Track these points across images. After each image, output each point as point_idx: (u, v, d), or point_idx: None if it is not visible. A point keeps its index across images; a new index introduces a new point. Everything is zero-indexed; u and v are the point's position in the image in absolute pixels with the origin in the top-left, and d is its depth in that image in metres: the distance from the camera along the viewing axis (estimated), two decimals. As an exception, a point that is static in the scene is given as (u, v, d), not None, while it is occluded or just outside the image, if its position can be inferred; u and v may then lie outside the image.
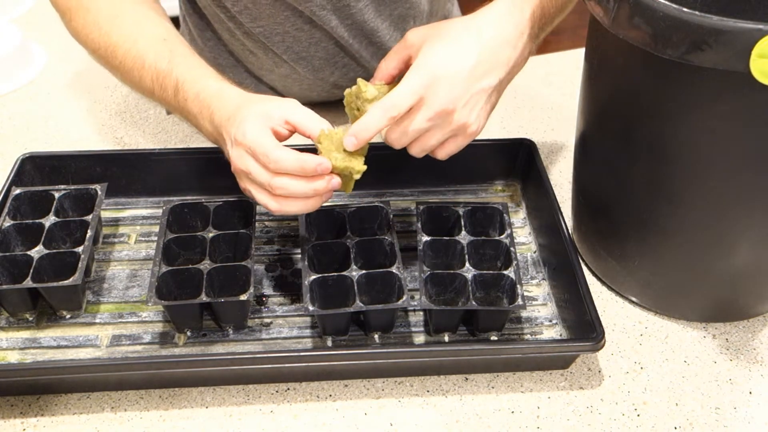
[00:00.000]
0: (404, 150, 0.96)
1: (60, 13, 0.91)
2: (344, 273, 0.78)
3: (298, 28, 1.00)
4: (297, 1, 0.96)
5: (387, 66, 0.78)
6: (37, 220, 0.83)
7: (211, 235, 0.82)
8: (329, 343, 0.78)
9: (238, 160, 0.74)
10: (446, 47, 0.73)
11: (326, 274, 0.78)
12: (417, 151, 0.77)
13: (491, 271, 0.80)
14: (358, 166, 0.73)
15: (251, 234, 0.82)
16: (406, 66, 0.76)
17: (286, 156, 0.71)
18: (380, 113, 0.71)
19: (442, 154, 0.78)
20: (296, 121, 0.74)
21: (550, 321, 0.81)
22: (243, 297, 0.75)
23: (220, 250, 0.82)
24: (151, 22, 0.87)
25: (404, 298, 0.75)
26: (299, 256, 0.87)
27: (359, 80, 0.76)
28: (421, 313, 0.81)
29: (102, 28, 0.86)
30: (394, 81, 0.78)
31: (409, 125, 0.73)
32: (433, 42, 0.74)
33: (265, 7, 0.97)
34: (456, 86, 0.72)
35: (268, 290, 0.83)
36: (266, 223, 0.92)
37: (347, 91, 0.77)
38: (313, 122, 0.74)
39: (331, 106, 1.11)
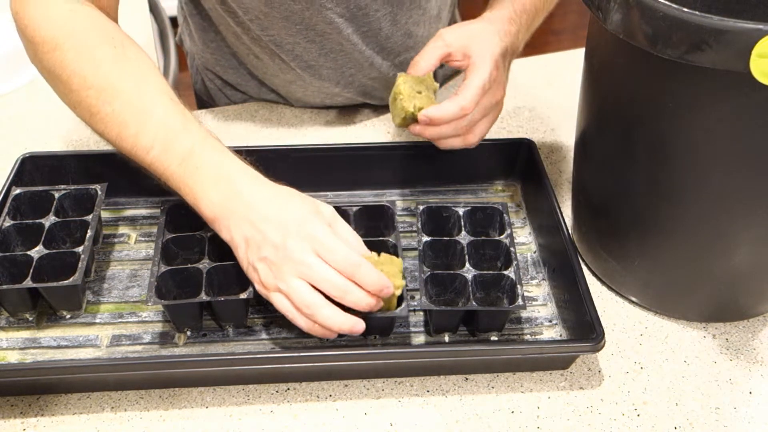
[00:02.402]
0: (404, 150, 0.96)
1: (37, 42, 0.80)
2: None
3: (309, 39, 0.99)
4: (316, 8, 0.95)
5: (426, 62, 0.86)
6: (37, 220, 0.83)
7: (209, 234, 0.82)
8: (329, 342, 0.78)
9: (298, 246, 0.70)
10: (492, 47, 0.85)
11: None
12: (477, 138, 0.87)
13: (491, 272, 0.80)
14: (398, 281, 0.75)
15: None
16: (440, 62, 0.87)
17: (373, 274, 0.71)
18: (456, 106, 0.82)
19: (477, 139, 0.88)
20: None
21: (550, 321, 0.81)
22: (243, 296, 0.75)
23: (219, 250, 0.82)
24: (156, 75, 0.80)
25: (403, 305, 0.75)
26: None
27: (412, 74, 0.86)
28: (421, 313, 0.81)
29: (101, 67, 0.77)
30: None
31: (473, 116, 0.84)
32: (481, 43, 0.86)
33: (277, 20, 0.97)
34: (503, 78, 0.85)
35: (268, 290, 0.83)
36: (266, 223, 0.91)
37: (402, 75, 0.85)
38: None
39: (330, 110, 1.12)
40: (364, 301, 0.70)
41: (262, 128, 1.09)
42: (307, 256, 0.70)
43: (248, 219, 0.72)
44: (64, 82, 0.78)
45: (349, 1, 0.96)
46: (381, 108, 1.12)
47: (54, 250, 0.80)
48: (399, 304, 0.75)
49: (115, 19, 0.85)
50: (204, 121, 1.10)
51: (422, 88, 0.80)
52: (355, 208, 0.84)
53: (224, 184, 0.73)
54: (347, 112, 1.11)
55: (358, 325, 0.70)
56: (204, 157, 0.74)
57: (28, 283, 0.76)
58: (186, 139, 0.75)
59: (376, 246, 0.81)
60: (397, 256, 0.79)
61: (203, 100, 1.21)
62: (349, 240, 0.74)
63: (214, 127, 1.08)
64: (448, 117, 0.82)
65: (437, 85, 0.84)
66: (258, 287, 0.73)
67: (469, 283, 0.78)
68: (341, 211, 0.84)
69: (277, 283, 0.70)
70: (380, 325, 0.77)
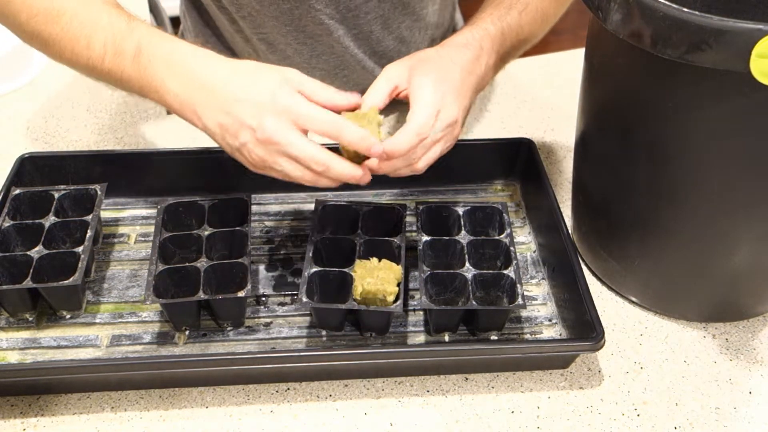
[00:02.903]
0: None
1: None
2: (345, 269, 0.78)
3: (300, 42, 0.99)
4: (305, 8, 0.95)
5: (373, 99, 0.78)
6: (37, 220, 0.83)
7: (206, 233, 0.82)
8: (324, 335, 0.78)
9: (276, 125, 0.69)
10: (438, 70, 0.78)
11: (327, 268, 0.78)
12: (424, 164, 0.77)
13: (491, 271, 0.80)
14: (390, 288, 0.75)
15: (247, 231, 0.82)
16: (390, 98, 0.79)
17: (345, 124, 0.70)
18: (411, 134, 0.74)
19: (424, 166, 0.79)
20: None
21: (550, 320, 0.81)
22: (241, 294, 0.75)
23: (216, 248, 0.82)
24: None
25: (399, 302, 0.75)
26: (299, 255, 0.87)
27: (364, 110, 0.77)
28: (421, 313, 0.81)
29: None
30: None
31: (430, 140, 0.76)
32: (424, 68, 0.78)
33: (268, 18, 0.97)
34: (457, 99, 0.77)
35: (268, 290, 0.83)
36: (266, 222, 0.92)
37: (347, 114, 0.76)
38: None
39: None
40: (347, 171, 0.70)
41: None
42: (285, 133, 0.69)
43: (215, 104, 0.71)
44: (15, 17, 0.79)
45: (339, 2, 0.95)
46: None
47: (54, 250, 0.80)
48: None
49: None
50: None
51: (365, 123, 0.74)
52: (365, 209, 0.85)
53: (179, 71, 0.72)
54: (347, 111, 1.11)
55: (366, 176, 0.71)
56: (152, 49, 0.73)
57: (28, 283, 0.76)
58: (133, 37, 0.74)
59: (380, 246, 0.81)
60: (400, 258, 0.79)
61: None
62: (323, 100, 0.73)
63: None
64: (406, 148, 0.74)
65: (382, 118, 0.76)
66: (251, 169, 0.73)
67: (469, 283, 0.78)
68: (352, 210, 0.85)
69: (267, 164, 0.71)
70: (376, 321, 0.77)
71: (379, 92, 0.78)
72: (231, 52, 1.08)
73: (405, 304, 0.79)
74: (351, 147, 0.71)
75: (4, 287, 0.76)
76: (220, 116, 0.70)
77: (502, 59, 0.86)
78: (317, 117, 0.70)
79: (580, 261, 0.84)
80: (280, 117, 0.69)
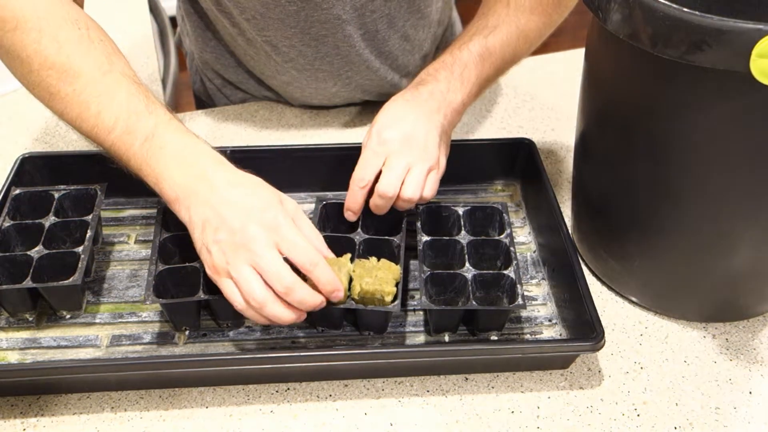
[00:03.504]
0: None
1: None
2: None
3: (305, 43, 0.99)
4: (312, 8, 0.95)
5: (357, 198, 0.82)
6: (36, 220, 0.83)
7: None
8: (319, 330, 0.78)
9: (258, 235, 0.69)
10: (386, 115, 0.83)
11: None
12: (410, 191, 0.80)
13: (491, 271, 0.80)
14: (388, 288, 0.75)
15: None
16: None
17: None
18: (355, 186, 0.80)
19: (410, 196, 0.80)
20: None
21: (550, 321, 0.81)
22: None
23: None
24: (119, 58, 0.79)
25: (396, 302, 0.75)
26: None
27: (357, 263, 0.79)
28: (421, 313, 0.81)
29: (63, 48, 0.75)
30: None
31: (393, 174, 0.79)
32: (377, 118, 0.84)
33: (273, 21, 0.97)
34: (399, 139, 0.81)
35: (268, 290, 0.83)
36: (266, 223, 0.91)
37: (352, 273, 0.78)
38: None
39: (330, 110, 1.12)
40: (309, 300, 0.70)
41: (262, 128, 1.09)
42: (264, 246, 0.69)
43: (210, 201, 0.71)
44: (23, 61, 0.77)
45: (345, 2, 0.95)
46: (381, 105, 1.12)
47: (54, 250, 0.80)
48: None
49: (81, 5, 0.84)
50: (203, 122, 1.10)
51: (335, 269, 0.74)
52: (365, 208, 0.85)
53: (188, 165, 0.73)
54: (347, 112, 1.11)
55: (301, 317, 0.71)
56: (167, 137, 0.74)
57: (28, 283, 0.76)
58: (149, 120, 0.74)
59: (380, 245, 0.81)
60: (399, 257, 0.79)
61: (202, 101, 1.21)
62: (310, 236, 0.74)
63: (213, 127, 1.09)
64: (358, 200, 0.81)
65: (351, 267, 0.77)
66: (208, 271, 0.72)
67: (469, 283, 0.78)
68: None
69: (228, 268, 0.69)
70: (373, 321, 0.77)
71: (371, 164, 0.81)
72: (232, 55, 1.08)
73: (403, 304, 0.79)
74: (318, 286, 0.71)
75: (4, 287, 0.76)
76: (209, 211, 0.71)
77: (478, 87, 0.88)
78: (299, 245, 0.70)
79: (580, 261, 0.84)
80: (265, 231, 0.70)
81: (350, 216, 0.83)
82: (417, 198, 0.80)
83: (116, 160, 0.76)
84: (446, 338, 0.79)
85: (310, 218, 0.85)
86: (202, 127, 1.08)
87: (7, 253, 0.80)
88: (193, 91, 1.22)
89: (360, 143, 0.89)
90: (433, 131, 0.82)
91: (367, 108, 1.12)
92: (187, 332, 0.78)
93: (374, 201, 0.81)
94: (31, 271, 0.77)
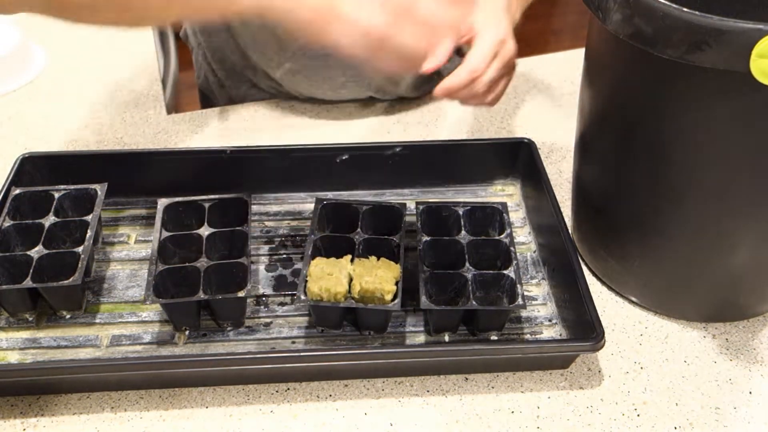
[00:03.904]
0: (404, 149, 0.96)
1: None
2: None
3: None
4: None
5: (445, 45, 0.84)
6: (37, 220, 0.83)
7: (207, 232, 0.82)
8: (319, 331, 0.78)
9: None
10: (492, 11, 0.89)
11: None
12: (492, 98, 0.88)
13: (491, 271, 0.80)
14: (388, 286, 0.76)
15: (247, 231, 0.82)
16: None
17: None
18: (466, 73, 0.84)
19: (492, 100, 0.89)
20: None
21: (550, 321, 0.81)
22: (241, 294, 0.75)
23: (216, 248, 0.82)
24: None
25: (396, 301, 0.75)
26: (299, 255, 0.87)
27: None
28: (421, 313, 0.81)
29: None
30: None
31: (487, 78, 0.85)
32: (479, 11, 0.88)
33: None
34: (511, 40, 0.88)
35: (268, 290, 0.83)
36: (266, 223, 0.92)
37: (321, 259, 0.79)
38: None
39: (331, 109, 1.12)
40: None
41: (262, 128, 1.09)
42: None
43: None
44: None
45: None
46: (385, 105, 1.12)
47: (54, 250, 0.80)
48: None
49: None
50: (203, 122, 1.10)
51: (335, 271, 0.76)
52: (365, 208, 0.85)
53: None
54: (348, 110, 1.11)
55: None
56: None
57: (28, 283, 0.76)
58: None
59: (380, 244, 0.82)
60: (399, 256, 0.79)
61: (206, 96, 1.21)
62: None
63: (213, 127, 1.09)
64: (462, 84, 0.84)
65: (352, 268, 0.77)
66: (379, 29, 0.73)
67: (469, 283, 0.78)
68: (352, 209, 0.85)
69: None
70: (373, 320, 0.77)
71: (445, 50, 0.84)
72: (237, 47, 1.07)
73: (403, 304, 0.79)
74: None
75: (4, 287, 0.76)
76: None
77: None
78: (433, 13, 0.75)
79: (580, 261, 0.84)
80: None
81: (429, 64, 0.80)
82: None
83: (213, 16, 0.77)
84: (446, 338, 0.79)
85: (310, 218, 0.85)
86: (205, 126, 1.08)
87: (7, 253, 0.80)
88: (198, 86, 1.22)
89: (360, 144, 0.90)
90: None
91: (371, 105, 1.12)
92: (187, 332, 0.78)
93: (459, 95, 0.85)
94: (31, 271, 0.77)
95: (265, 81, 1.12)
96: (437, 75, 0.90)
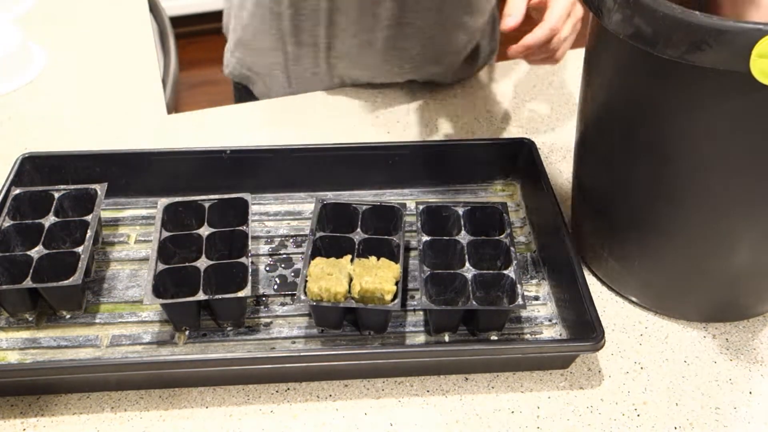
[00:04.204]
0: (404, 149, 0.96)
1: None
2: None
3: None
4: None
5: (518, 11, 0.91)
6: (37, 220, 0.83)
7: (206, 232, 0.82)
8: (321, 330, 0.78)
9: None
10: None
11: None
12: (560, 54, 0.96)
13: (491, 271, 0.80)
14: (388, 286, 0.76)
15: (247, 231, 0.82)
16: (527, 6, 0.93)
17: None
18: (546, 30, 0.91)
19: (561, 56, 0.97)
20: None
21: (550, 321, 0.81)
22: (241, 294, 0.75)
23: (216, 248, 0.82)
24: None
25: (396, 300, 0.75)
26: (299, 255, 0.87)
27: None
28: (421, 313, 0.81)
29: None
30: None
31: (563, 35, 0.94)
32: None
33: None
34: (579, 2, 0.94)
35: (268, 290, 0.83)
36: (266, 223, 0.92)
37: (321, 259, 0.79)
38: None
39: (331, 109, 1.12)
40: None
41: (262, 128, 1.09)
42: None
43: None
44: None
45: None
46: (386, 102, 1.12)
47: (54, 250, 0.80)
48: None
49: None
50: (203, 122, 1.10)
51: (336, 271, 0.76)
52: (364, 207, 0.85)
53: None
54: (350, 110, 1.11)
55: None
56: None
57: (28, 283, 0.76)
58: None
59: (379, 244, 0.82)
60: (399, 257, 0.79)
61: (239, 86, 1.22)
62: None
63: (213, 127, 1.09)
64: (542, 41, 0.91)
65: (352, 268, 0.77)
66: None
67: (469, 283, 0.78)
68: (352, 209, 0.85)
69: None
70: (374, 320, 0.77)
71: (519, 3, 0.91)
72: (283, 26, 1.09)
73: (403, 304, 0.79)
74: None
75: (4, 287, 0.76)
76: None
77: None
78: None
79: (580, 261, 0.84)
80: None
81: (510, 22, 0.89)
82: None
83: None
84: (446, 338, 0.79)
85: (310, 218, 0.85)
86: (206, 126, 1.08)
87: (7, 253, 0.80)
88: (231, 78, 1.22)
89: (360, 144, 0.90)
90: None
91: (367, 107, 1.12)
92: (187, 332, 0.79)
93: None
94: (31, 271, 0.77)
95: (299, 54, 1.12)
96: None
